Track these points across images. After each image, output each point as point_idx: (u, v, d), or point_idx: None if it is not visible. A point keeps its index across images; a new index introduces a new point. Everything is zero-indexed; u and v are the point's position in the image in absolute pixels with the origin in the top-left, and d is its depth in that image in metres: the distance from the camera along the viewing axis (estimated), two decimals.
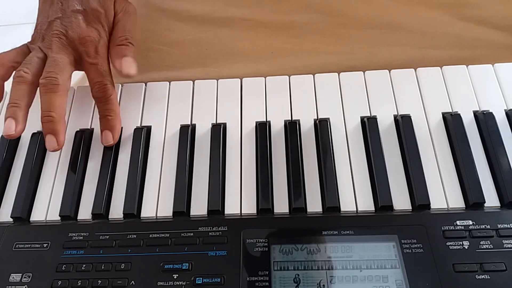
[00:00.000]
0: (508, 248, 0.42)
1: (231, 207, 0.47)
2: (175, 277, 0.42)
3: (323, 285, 0.41)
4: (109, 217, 0.48)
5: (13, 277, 0.43)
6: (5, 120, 0.49)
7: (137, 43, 0.55)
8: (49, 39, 0.52)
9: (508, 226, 0.43)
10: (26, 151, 0.52)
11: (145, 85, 0.56)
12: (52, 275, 0.43)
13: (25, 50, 0.53)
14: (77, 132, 0.53)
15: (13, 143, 0.53)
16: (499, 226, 0.43)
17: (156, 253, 0.44)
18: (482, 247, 0.42)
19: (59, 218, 0.48)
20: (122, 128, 0.53)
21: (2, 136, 0.53)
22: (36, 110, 0.55)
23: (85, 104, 0.55)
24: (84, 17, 0.53)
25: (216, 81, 0.56)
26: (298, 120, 0.52)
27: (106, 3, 0.54)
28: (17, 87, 0.50)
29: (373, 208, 0.46)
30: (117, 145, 0.52)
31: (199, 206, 0.47)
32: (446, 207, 0.45)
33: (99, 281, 0.42)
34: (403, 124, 0.50)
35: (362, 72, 0.54)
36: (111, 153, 0.51)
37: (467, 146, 0.48)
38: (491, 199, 0.45)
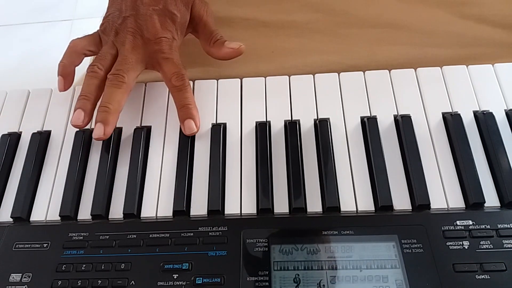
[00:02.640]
0: (508, 248, 0.42)
1: (231, 207, 0.47)
2: (175, 277, 0.42)
3: (323, 285, 0.41)
4: (109, 217, 0.48)
5: (13, 277, 0.43)
6: (74, 111, 0.50)
7: None
8: (123, 35, 0.53)
9: (508, 226, 0.43)
10: (26, 151, 0.52)
11: (145, 85, 0.57)
12: (52, 275, 0.43)
13: (97, 39, 0.55)
14: (77, 132, 0.53)
15: (13, 143, 0.53)
16: (499, 226, 0.43)
17: (156, 253, 0.44)
18: (482, 247, 0.42)
19: (59, 218, 0.48)
20: (122, 128, 0.53)
21: (2, 135, 0.53)
22: (36, 111, 0.55)
23: None
24: (159, 18, 0.53)
25: (216, 81, 0.56)
26: (298, 120, 0.52)
27: (182, 8, 0.55)
28: (89, 81, 0.51)
29: (373, 208, 0.46)
30: (117, 145, 0.52)
31: (199, 206, 0.47)
32: (446, 207, 0.45)
33: (99, 281, 0.42)
34: (403, 124, 0.50)
35: (362, 72, 0.54)
36: (111, 153, 0.51)
37: (467, 146, 0.48)
38: (491, 199, 0.45)
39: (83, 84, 0.52)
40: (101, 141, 0.52)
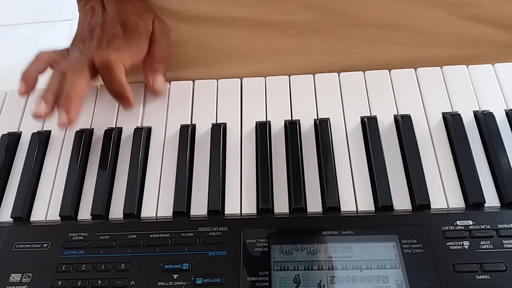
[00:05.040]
0: (508, 248, 0.42)
1: (231, 207, 0.47)
2: (175, 277, 0.42)
3: (323, 285, 0.41)
4: (109, 217, 0.48)
5: (13, 277, 0.43)
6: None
7: None
8: (89, 43, 0.54)
9: (508, 226, 0.43)
10: (26, 151, 0.52)
11: (145, 85, 0.56)
12: (52, 275, 0.43)
13: (65, 52, 0.55)
14: (77, 132, 0.53)
15: (13, 143, 0.53)
16: (499, 226, 0.43)
17: (156, 253, 0.44)
18: (482, 247, 0.42)
19: (59, 218, 0.48)
20: (122, 128, 0.53)
21: (2, 135, 0.53)
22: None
23: (85, 104, 0.55)
24: (123, 27, 0.55)
25: (216, 81, 0.56)
26: (298, 120, 0.52)
27: (146, 17, 0.56)
28: (53, 77, 0.51)
29: (373, 208, 0.46)
30: (117, 145, 0.52)
31: (199, 206, 0.47)
32: (446, 207, 0.45)
33: (99, 281, 0.42)
34: (403, 124, 0.50)
35: (362, 72, 0.54)
36: (111, 153, 0.51)
37: (467, 146, 0.48)
38: (491, 199, 0.45)
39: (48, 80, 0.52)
40: (101, 141, 0.52)
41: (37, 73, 0.53)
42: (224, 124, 0.52)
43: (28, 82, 0.53)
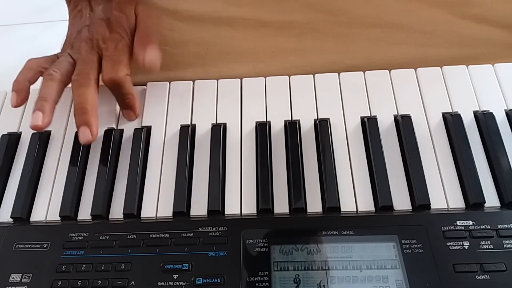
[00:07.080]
0: (508, 248, 0.42)
1: (231, 207, 0.47)
2: (175, 277, 0.42)
3: (323, 286, 0.41)
4: (109, 217, 0.48)
5: (13, 277, 0.43)
6: (33, 113, 0.49)
7: None
8: (78, 45, 0.54)
9: (508, 226, 0.43)
10: (26, 151, 0.52)
11: (146, 85, 0.56)
12: (52, 275, 0.43)
13: (54, 58, 0.55)
14: (77, 132, 0.53)
15: (13, 143, 0.53)
16: (499, 226, 0.43)
17: (156, 253, 0.44)
18: (482, 247, 0.42)
19: (59, 218, 0.48)
20: (122, 128, 0.53)
21: (2, 135, 0.53)
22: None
23: None
24: (108, 24, 0.55)
25: (216, 81, 0.56)
26: (298, 120, 0.52)
27: (127, 8, 0.56)
28: (45, 84, 0.51)
29: (373, 208, 0.46)
30: (117, 145, 0.52)
31: (199, 206, 0.47)
32: (446, 207, 0.45)
33: (99, 282, 0.42)
34: (403, 124, 0.50)
35: (362, 72, 0.54)
36: (111, 153, 0.51)
37: (467, 146, 0.48)
38: (491, 199, 0.45)
39: (40, 88, 0.51)
40: (101, 141, 0.52)
41: (28, 82, 0.52)
42: (224, 124, 0.52)
43: (19, 92, 0.52)
